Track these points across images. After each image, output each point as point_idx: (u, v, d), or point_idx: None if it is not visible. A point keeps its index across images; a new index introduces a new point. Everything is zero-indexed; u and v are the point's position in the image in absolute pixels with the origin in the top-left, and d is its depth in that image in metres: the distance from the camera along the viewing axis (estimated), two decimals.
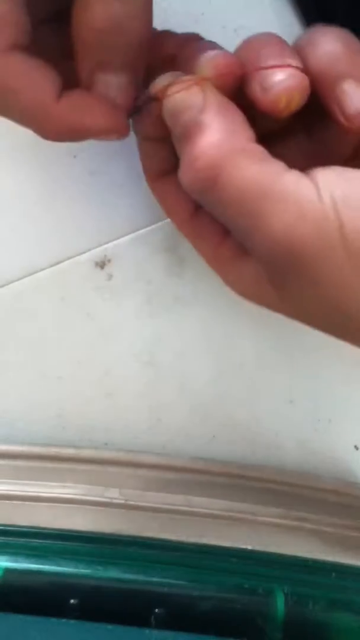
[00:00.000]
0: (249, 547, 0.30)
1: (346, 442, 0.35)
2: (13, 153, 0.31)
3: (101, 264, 0.33)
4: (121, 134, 0.24)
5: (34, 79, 0.21)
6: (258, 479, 0.33)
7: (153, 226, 0.32)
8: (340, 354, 0.34)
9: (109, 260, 0.33)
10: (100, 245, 0.33)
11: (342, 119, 0.22)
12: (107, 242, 0.32)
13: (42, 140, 0.32)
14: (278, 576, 0.30)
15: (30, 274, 0.33)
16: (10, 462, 0.33)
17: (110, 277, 0.33)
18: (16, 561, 0.29)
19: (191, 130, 0.21)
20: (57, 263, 0.33)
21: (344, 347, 0.34)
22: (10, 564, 0.29)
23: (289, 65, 0.21)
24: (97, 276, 0.33)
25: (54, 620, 0.27)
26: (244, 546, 0.30)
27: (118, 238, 0.32)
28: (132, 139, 0.32)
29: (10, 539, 0.30)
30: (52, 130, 0.22)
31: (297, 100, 0.21)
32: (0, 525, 0.30)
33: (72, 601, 0.28)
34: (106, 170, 0.32)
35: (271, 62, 0.21)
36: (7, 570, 0.29)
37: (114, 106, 0.23)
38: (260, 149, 0.21)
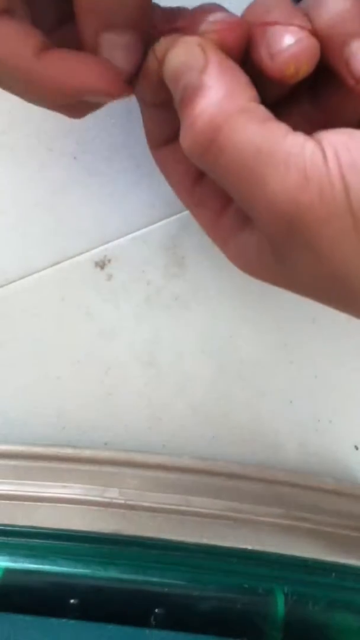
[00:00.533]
0: (249, 547, 0.30)
1: (346, 442, 0.35)
2: (13, 153, 0.31)
3: (101, 264, 0.33)
4: (115, 93, 0.22)
5: (14, 38, 0.20)
6: (258, 479, 0.33)
7: (153, 226, 0.32)
8: (341, 354, 0.34)
9: (109, 260, 0.33)
10: (100, 245, 0.33)
11: (351, 81, 0.21)
12: (107, 242, 0.32)
13: (42, 140, 0.32)
14: (278, 576, 0.30)
15: (30, 274, 0.33)
16: (10, 462, 0.33)
17: (110, 277, 0.33)
18: (16, 561, 0.29)
19: (191, 92, 0.20)
20: (57, 263, 0.33)
21: (344, 347, 0.34)
22: (10, 564, 0.29)
23: (297, 25, 0.20)
24: (97, 276, 0.33)
25: (54, 620, 0.27)
26: (244, 546, 0.30)
27: (118, 238, 0.32)
28: (132, 141, 0.32)
29: (10, 539, 0.30)
30: (36, 90, 0.21)
31: (306, 66, 0.20)
32: (0, 525, 0.30)
33: (72, 601, 0.28)
34: (106, 171, 0.32)
35: (279, 19, 0.20)
36: (7, 570, 0.29)
37: (104, 62, 0.21)
38: (262, 109, 0.20)
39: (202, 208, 0.26)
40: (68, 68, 0.21)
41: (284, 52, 0.20)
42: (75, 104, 0.23)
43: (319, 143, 0.19)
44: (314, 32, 0.21)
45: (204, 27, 0.21)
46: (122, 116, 0.31)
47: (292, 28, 0.20)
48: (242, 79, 0.21)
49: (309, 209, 0.19)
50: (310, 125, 0.23)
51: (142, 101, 0.25)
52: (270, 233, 0.21)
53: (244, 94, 0.20)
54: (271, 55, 0.21)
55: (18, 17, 0.21)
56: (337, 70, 0.21)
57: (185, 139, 0.21)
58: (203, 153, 0.20)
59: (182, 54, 0.21)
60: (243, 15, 0.22)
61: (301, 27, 0.20)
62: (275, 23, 0.21)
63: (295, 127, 0.20)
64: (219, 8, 0.22)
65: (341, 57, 0.21)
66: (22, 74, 0.21)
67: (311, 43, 0.20)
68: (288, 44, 0.20)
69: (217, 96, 0.20)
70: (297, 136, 0.20)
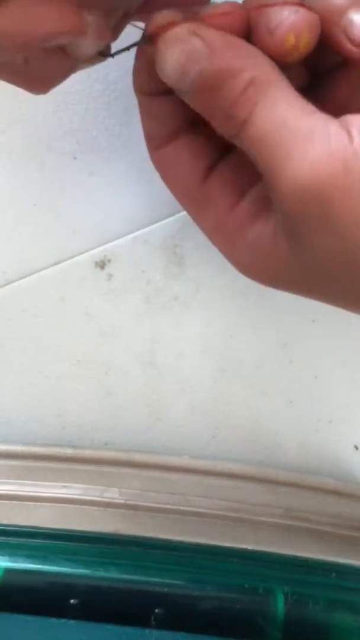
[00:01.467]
0: (249, 547, 0.30)
1: (346, 442, 0.35)
2: (13, 154, 0.31)
3: (101, 264, 0.33)
4: (78, 32, 0.20)
5: None
6: (258, 479, 0.33)
7: (153, 226, 0.32)
8: (341, 354, 0.34)
9: (109, 260, 0.33)
10: (100, 245, 0.32)
11: (350, 48, 0.21)
12: (107, 242, 0.32)
13: (42, 140, 0.32)
14: (278, 576, 0.30)
15: (30, 274, 0.33)
16: (10, 462, 0.33)
17: (110, 277, 0.33)
18: (16, 561, 0.29)
19: (213, 76, 0.20)
20: (57, 263, 0.33)
21: (344, 348, 0.34)
22: (10, 564, 0.29)
23: (293, 3, 0.20)
24: (97, 276, 0.33)
25: (54, 620, 0.27)
26: (244, 546, 0.30)
27: (118, 238, 0.32)
28: (131, 141, 0.32)
29: (10, 539, 0.30)
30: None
31: (307, 38, 0.20)
32: (0, 525, 0.30)
33: (72, 601, 0.28)
34: (106, 171, 0.32)
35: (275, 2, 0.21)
36: (7, 570, 0.29)
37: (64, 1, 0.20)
38: (287, 83, 0.20)
39: (206, 209, 0.25)
40: (30, 11, 0.19)
41: (282, 23, 0.20)
42: (35, 70, 0.21)
43: (345, 122, 0.20)
44: (312, 9, 0.21)
45: (201, 12, 0.21)
46: (122, 116, 0.31)
47: (288, 5, 0.21)
48: (251, 51, 0.21)
49: (332, 181, 0.19)
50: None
51: (140, 94, 0.24)
52: (291, 210, 0.20)
53: (270, 66, 0.20)
54: (270, 31, 0.21)
55: None
56: (337, 43, 0.21)
57: (222, 124, 0.21)
58: (239, 131, 0.21)
59: (178, 49, 0.20)
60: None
61: (298, 4, 0.21)
62: (274, 4, 0.21)
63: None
64: None
65: (339, 28, 0.21)
66: None
67: (308, 14, 0.21)
68: (285, 16, 0.20)
69: (248, 73, 0.20)
70: (322, 114, 0.20)
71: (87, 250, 0.33)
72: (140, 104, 0.25)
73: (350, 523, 0.32)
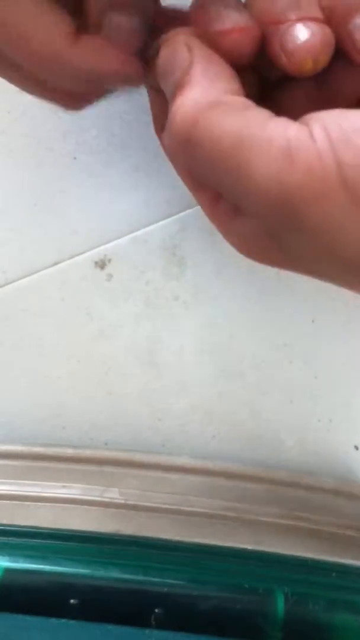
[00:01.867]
0: (249, 547, 0.30)
1: (346, 442, 0.35)
2: (13, 154, 0.31)
3: (101, 264, 0.33)
4: (136, 80, 0.23)
5: (47, 22, 0.21)
6: (258, 479, 0.32)
7: (153, 226, 0.32)
8: (341, 354, 0.34)
9: (109, 260, 0.33)
10: (100, 245, 0.33)
11: (355, 54, 0.20)
12: (107, 242, 0.32)
13: (42, 140, 0.32)
14: (278, 576, 0.30)
15: (30, 274, 0.33)
16: (10, 462, 0.33)
17: (110, 277, 0.33)
18: (16, 561, 0.29)
19: (175, 90, 0.20)
20: (57, 263, 0.33)
21: (344, 347, 0.34)
22: (10, 564, 0.29)
23: (309, 18, 0.20)
24: (97, 276, 0.33)
25: (54, 620, 0.27)
26: (244, 546, 0.30)
27: (118, 238, 0.32)
28: (131, 141, 0.32)
29: (10, 539, 0.30)
30: (66, 77, 0.22)
31: (324, 57, 0.20)
32: (0, 525, 0.30)
33: (72, 601, 0.28)
34: (106, 171, 0.32)
35: (289, 14, 0.20)
36: (7, 570, 0.29)
37: (127, 49, 0.22)
38: (240, 100, 0.20)
39: (201, 195, 0.26)
40: (100, 56, 0.21)
41: (300, 49, 0.20)
42: (81, 94, 0.24)
43: (305, 123, 0.19)
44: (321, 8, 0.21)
45: (213, 28, 0.21)
46: (121, 117, 0.31)
47: (303, 23, 0.20)
48: (226, 72, 0.21)
49: (298, 189, 0.18)
50: (313, 106, 0.22)
51: (148, 85, 0.25)
52: (263, 220, 0.20)
53: (222, 86, 0.20)
54: (287, 54, 0.20)
55: (50, 2, 0.21)
56: (342, 45, 0.21)
57: (166, 137, 0.21)
58: (183, 149, 0.20)
59: (169, 54, 0.21)
60: (249, 6, 0.22)
61: (312, 19, 0.20)
62: (286, 20, 0.20)
63: (298, 107, 0.20)
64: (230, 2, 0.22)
65: (345, 32, 0.20)
66: (54, 59, 0.21)
67: (325, 34, 0.20)
68: (303, 40, 0.20)
69: (193, 92, 0.20)
70: (280, 120, 0.19)
71: (87, 250, 0.33)
72: (149, 95, 0.25)
73: (350, 523, 0.32)
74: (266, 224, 0.20)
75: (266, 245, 0.22)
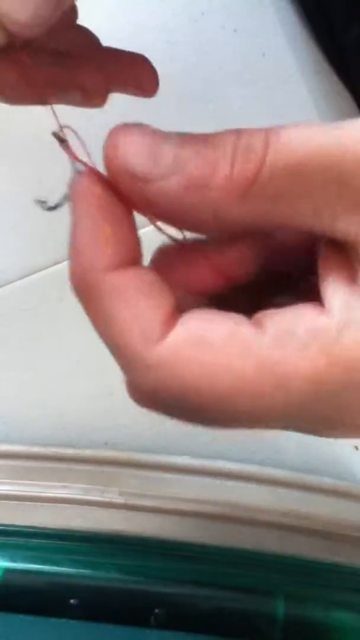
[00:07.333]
0: (249, 547, 0.30)
1: (346, 442, 0.35)
2: (13, 153, 0.31)
3: None
4: None
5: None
6: (258, 479, 0.33)
7: (152, 226, 0.32)
8: None
9: None
10: None
11: None
12: None
13: (41, 140, 0.32)
14: (278, 576, 0.30)
15: (30, 274, 0.33)
16: (10, 462, 0.33)
17: None
18: (16, 561, 0.29)
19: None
20: (57, 263, 0.33)
21: None
22: (10, 564, 0.29)
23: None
24: None
25: (54, 620, 0.27)
26: (244, 546, 0.30)
27: None
28: None
29: (10, 539, 0.30)
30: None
31: None
32: (0, 525, 0.30)
33: (72, 601, 0.28)
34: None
35: None
36: (7, 570, 0.29)
37: None
38: (130, 275, 0.17)
39: None
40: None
41: None
42: None
43: (257, 326, 0.16)
44: None
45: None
46: (123, 117, 0.31)
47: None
48: (112, 233, 0.18)
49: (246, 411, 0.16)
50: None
51: None
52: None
53: (108, 252, 0.18)
54: None
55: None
56: None
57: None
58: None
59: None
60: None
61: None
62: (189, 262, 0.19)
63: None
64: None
65: None
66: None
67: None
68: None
69: (80, 256, 0.18)
70: (188, 324, 0.16)
71: None
72: None
73: (350, 523, 0.32)
74: None
75: None
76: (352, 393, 0.15)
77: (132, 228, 0.18)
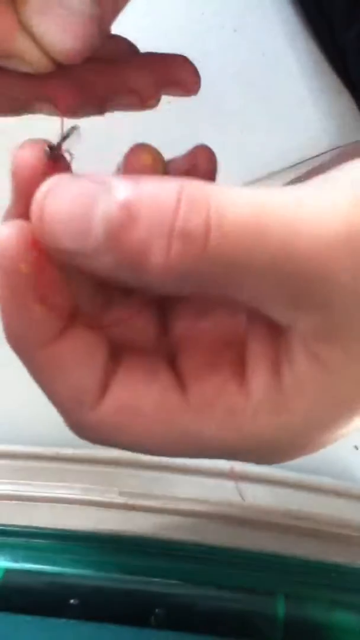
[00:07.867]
0: (249, 547, 0.30)
1: (346, 442, 0.35)
2: (12, 154, 0.31)
3: None
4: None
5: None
6: (258, 479, 0.33)
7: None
8: None
9: None
10: None
11: None
12: None
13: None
14: (278, 577, 0.30)
15: None
16: (10, 462, 0.33)
17: None
18: (16, 561, 0.29)
19: None
20: None
21: None
22: (10, 564, 0.29)
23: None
24: None
25: (54, 620, 0.27)
26: (244, 546, 0.30)
27: None
28: (131, 141, 0.32)
29: (10, 539, 0.30)
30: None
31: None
32: (0, 525, 0.30)
33: (72, 601, 0.28)
34: (105, 172, 0.32)
35: None
36: (7, 570, 0.29)
37: None
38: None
39: None
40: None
41: None
42: None
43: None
44: None
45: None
46: (123, 117, 0.31)
47: None
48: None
49: None
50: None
51: None
52: None
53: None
54: None
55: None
56: None
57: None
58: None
59: None
60: None
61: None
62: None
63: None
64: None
65: None
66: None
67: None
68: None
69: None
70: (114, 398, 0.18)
71: None
72: None
73: (350, 523, 0.32)
74: None
75: None
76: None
77: (64, 283, 0.17)
